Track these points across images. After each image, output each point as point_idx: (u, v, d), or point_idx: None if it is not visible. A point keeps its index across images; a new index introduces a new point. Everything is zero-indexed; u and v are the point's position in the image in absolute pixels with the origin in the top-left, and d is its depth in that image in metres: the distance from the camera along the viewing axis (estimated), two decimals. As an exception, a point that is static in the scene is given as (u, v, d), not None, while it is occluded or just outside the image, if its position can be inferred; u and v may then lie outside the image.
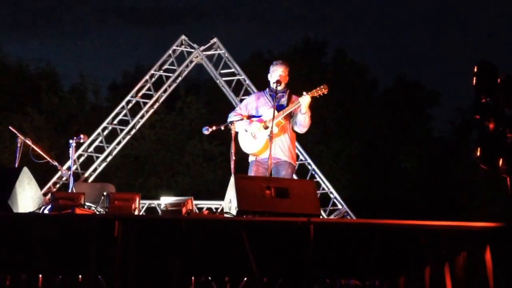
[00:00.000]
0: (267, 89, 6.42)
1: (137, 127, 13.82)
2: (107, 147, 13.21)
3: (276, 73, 6.30)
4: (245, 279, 5.77)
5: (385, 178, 21.45)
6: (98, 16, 45.90)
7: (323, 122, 20.54)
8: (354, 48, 37.58)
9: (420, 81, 25.52)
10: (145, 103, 13.54)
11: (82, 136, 6.83)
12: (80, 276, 5.58)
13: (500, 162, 5.17)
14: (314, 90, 6.07)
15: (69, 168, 6.88)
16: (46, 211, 5.03)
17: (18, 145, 6.30)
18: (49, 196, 5.98)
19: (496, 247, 4.78)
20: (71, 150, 6.55)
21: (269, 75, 6.39)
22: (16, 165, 6.10)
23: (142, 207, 12.43)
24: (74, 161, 7.44)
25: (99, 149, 13.22)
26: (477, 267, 4.93)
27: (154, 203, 12.83)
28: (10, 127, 6.55)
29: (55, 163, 6.66)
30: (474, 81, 5.51)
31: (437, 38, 45.33)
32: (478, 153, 5.30)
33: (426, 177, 21.31)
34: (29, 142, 6.40)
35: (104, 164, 13.27)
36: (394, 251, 5.12)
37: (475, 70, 5.51)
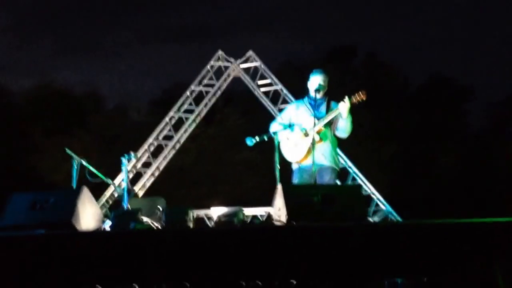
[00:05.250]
0: (306, 98, 6.52)
1: (182, 141, 14.18)
2: (154, 162, 13.61)
3: (316, 81, 6.41)
4: (294, 282, 5.91)
5: (423, 176, 21.32)
6: (138, 37, 46.73)
7: (358, 124, 20.53)
8: (385, 49, 37.28)
9: (454, 76, 25.35)
10: (187, 118, 13.91)
11: (132, 153, 7.08)
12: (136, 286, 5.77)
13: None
14: (352, 97, 6.11)
15: (121, 185, 7.12)
16: (107, 228, 5.31)
17: (75, 166, 6.55)
18: (104, 211, 6.21)
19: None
20: (124, 168, 6.78)
21: (308, 83, 6.49)
22: (74, 185, 6.35)
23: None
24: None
25: (147, 165, 13.63)
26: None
27: (201, 213, 13.12)
28: (66, 150, 6.75)
29: (110, 181, 6.92)
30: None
31: (468, 32, 44.59)
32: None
33: (465, 173, 21.07)
34: (84, 163, 6.65)
35: (152, 179, 13.65)
36: (441, 249, 5.19)
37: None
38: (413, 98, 24.49)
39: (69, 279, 4.74)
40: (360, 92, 6.15)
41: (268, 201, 5.85)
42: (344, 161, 13.02)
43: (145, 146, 13.75)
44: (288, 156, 6.43)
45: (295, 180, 6.43)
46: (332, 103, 6.42)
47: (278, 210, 5.26)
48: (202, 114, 14.33)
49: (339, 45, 26.29)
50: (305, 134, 6.28)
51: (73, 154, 6.58)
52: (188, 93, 14.05)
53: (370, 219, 12.47)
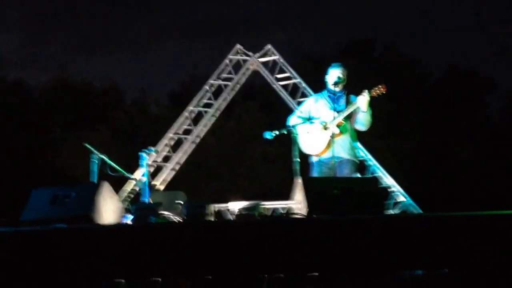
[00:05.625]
0: (325, 91, 6.49)
1: (201, 135, 14.24)
2: (174, 156, 13.69)
3: (334, 74, 6.40)
4: (316, 274, 5.91)
5: (443, 169, 21.14)
6: (157, 32, 46.93)
7: (378, 117, 20.39)
8: (404, 42, 36.87)
9: (473, 69, 25.04)
10: (206, 112, 13.96)
11: (152, 148, 7.11)
12: (160, 279, 5.80)
13: None
14: (372, 90, 6.12)
15: (141, 179, 7.15)
16: (129, 222, 5.35)
17: (95, 161, 6.53)
18: (125, 205, 6.23)
19: None
20: (145, 163, 6.80)
21: (327, 77, 6.47)
22: (96, 180, 6.38)
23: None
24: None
25: (167, 159, 13.71)
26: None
27: (221, 206, 13.16)
28: (85, 145, 6.74)
29: (131, 176, 6.94)
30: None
31: (487, 24, 43.97)
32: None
33: (486, 167, 20.84)
34: (105, 158, 6.67)
35: (173, 173, 13.73)
36: (462, 241, 5.17)
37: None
38: (433, 90, 24.29)
39: (90, 273, 4.78)
40: (379, 86, 6.15)
41: (287, 195, 5.83)
42: (364, 153, 12.99)
43: (165, 140, 13.84)
44: (307, 150, 6.40)
45: (314, 173, 6.42)
46: (351, 97, 6.40)
47: (298, 203, 5.26)
48: (221, 108, 14.38)
49: (357, 38, 26.19)
50: (324, 128, 6.26)
51: (92, 149, 6.59)
52: (207, 87, 14.11)
53: (391, 211, 12.42)
